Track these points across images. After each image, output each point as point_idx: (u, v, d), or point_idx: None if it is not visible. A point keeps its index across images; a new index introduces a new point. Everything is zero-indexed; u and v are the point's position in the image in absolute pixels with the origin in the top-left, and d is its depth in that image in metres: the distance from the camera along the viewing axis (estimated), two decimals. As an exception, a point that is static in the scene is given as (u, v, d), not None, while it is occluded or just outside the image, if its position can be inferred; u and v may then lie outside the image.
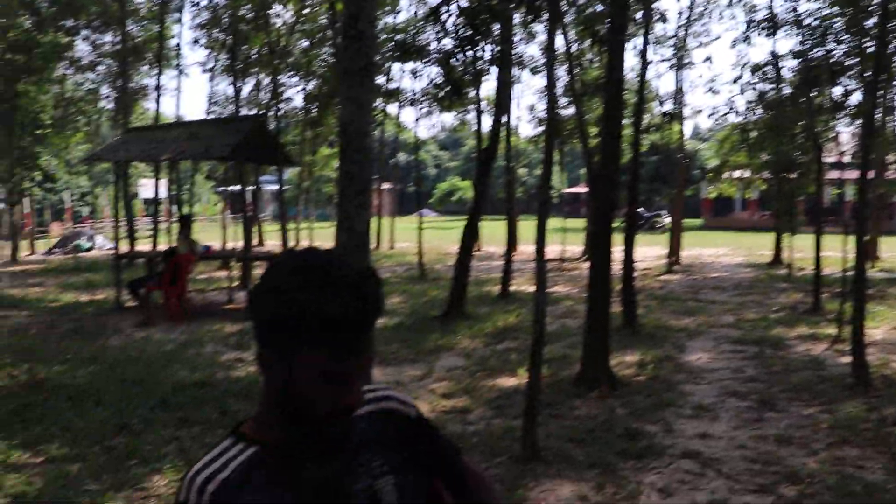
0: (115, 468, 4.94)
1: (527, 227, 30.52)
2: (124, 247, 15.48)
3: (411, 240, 20.48)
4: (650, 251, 23.05)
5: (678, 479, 4.67)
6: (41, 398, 6.55)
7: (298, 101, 23.22)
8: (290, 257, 1.32)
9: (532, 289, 14.46)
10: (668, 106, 19.58)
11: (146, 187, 39.53)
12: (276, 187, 23.82)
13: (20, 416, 6.03)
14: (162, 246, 18.14)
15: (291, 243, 12.51)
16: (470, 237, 11.28)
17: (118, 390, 6.75)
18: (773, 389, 6.85)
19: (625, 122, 10.38)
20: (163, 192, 16.01)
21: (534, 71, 19.98)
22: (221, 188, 43.78)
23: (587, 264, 7.43)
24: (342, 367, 1.26)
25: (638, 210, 14.15)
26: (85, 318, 11.43)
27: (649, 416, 6.03)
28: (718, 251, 24.88)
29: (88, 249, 28.31)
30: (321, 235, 35.52)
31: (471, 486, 1.59)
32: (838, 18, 12.24)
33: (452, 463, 1.58)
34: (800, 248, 17.08)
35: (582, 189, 48.22)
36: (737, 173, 24.14)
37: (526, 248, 26.51)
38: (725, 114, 18.74)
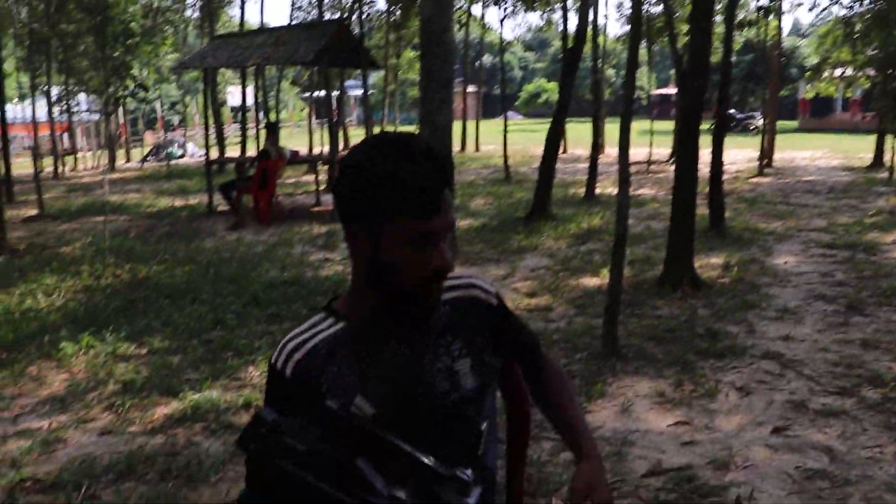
0: (213, 359, 5.25)
1: (614, 129, 29.90)
2: (214, 153, 15.92)
3: (496, 143, 20.28)
4: (741, 154, 22.30)
5: (757, 379, 4.67)
6: (143, 296, 6.95)
7: (381, 3, 23.03)
8: (370, 139, 1.41)
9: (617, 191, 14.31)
10: (765, -1, 18.51)
11: (233, 95, 40.26)
12: (360, 92, 23.88)
13: (125, 312, 6.43)
14: (251, 152, 18.60)
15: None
16: (555, 139, 11.14)
17: (213, 288, 7.11)
18: (863, 294, 6.66)
19: (717, 18, 9.92)
20: (250, 100, 16.23)
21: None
22: (306, 94, 44.16)
23: (674, 167, 7.27)
24: (426, 226, 1.34)
25: (729, 111, 13.64)
26: (179, 221, 11.94)
27: (731, 318, 5.99)
28: (814, 154, 23.85)
29: (180, 157, 29.24)
30: (405, 141, 35.77)
31: (548, 375, 1.66)
32: None
33: (532, 352, 1.65)
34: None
35: (671, 90, 46.62)
36: (838, 71, 22.90)
37: (612, 151, 26.03)
38: (829, 6, 17.64)
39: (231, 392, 4.62)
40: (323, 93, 30.66)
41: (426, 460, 1.27)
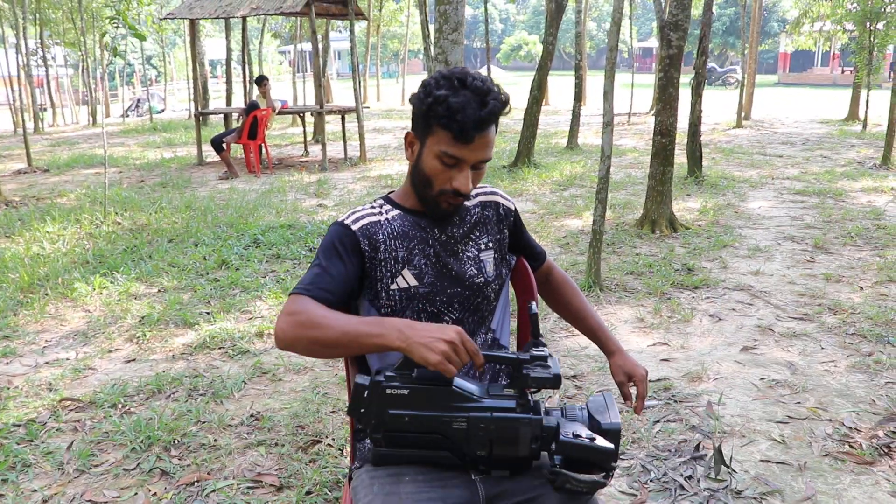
0: (221, 296, 5.57)
1: (594, 82, 30.05)
2: (199, 106, 15.98)
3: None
4: (721, 107, 22.64)
5: (729, 307, 5.09)
6: (146, 241, 7.23)
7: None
8: (448, 70, 1.70)
9: (599, 141, 14.59)
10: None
11: (210, 48, 39.87)
12: (341, 45, 23.85)
13: (131, 256, 6.70)
14: (236, 103, 18.65)
15: (361, 99, 12.84)
16: (539, 89, 11.42)
17: (213, 233, 7.40)
18: (829, 235, 7.10)
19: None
20: (225, 53, 16.28)
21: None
22: (285, 49, 43.74)
23: (655, 116, 7.59)
24: (457, 151, 1.65)
25: (709, 66, 13.90)
26: (170, 172, 12.12)
27: (706, 255, 6.41)
28: (792, 107, 24.24)
29: (161, 111, 29.12)
30: (387, 93, 35.63)
31: (557, 280, 2.07)
32: None
33: (542, 256, 2.05)
34: (878, 104, 16.59)
35: (653, 44, 46.63)
36: (817, 25, 23.13)
37: (593, 104, 26.31)
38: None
39: (243, 323, 4.96)
40: (302, 46, 30.49)
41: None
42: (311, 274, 1.67)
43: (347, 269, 1.68)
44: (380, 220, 1.77)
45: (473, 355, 1.44)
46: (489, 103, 1.62)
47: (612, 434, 1.57)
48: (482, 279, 1.79)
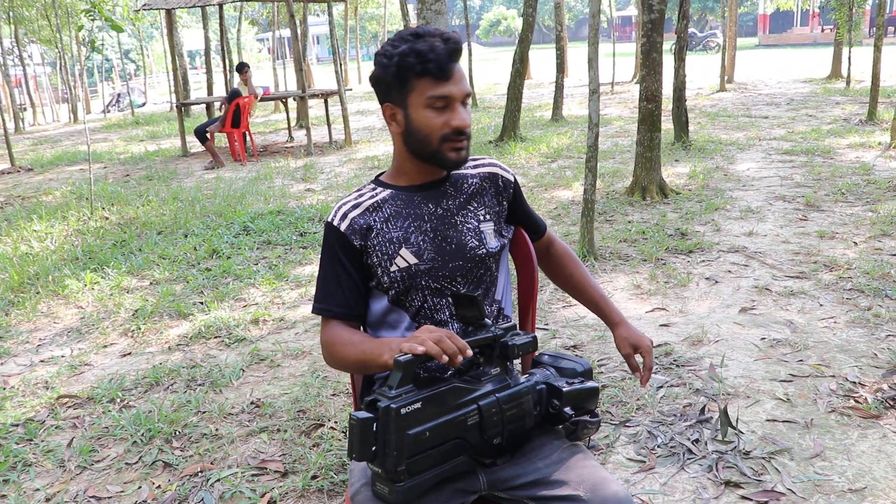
0: (214, 285, 5.53)
1: (575, 53, 29.95)
2: (180, 97, 15.82)
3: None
4: (703, 71, 22.59)
5: (725, 270, 5.07)
6: (135, 234, 7.16)
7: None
8: (393, 36, 1.70)
9: (583, 112, 14.56)
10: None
11: (187, 39, 39.49)
12: (318, 30, 23.61)
13: (121, 250, 6.63)
14: (217, 92, 18.48)
15: (343, 82, 12.73)
16: (521, 62, 11.34)
17: (202, 223, 7.33)
18: (820, 193, 7.09)
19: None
20: (203, 43, 16.13)
21: None
22: (263, 36, 43.34)
23: (638, 87, 7.55)
24: (442, 89, 1.63)
25: (690, 30, 13.84)
26: (155, 165, 12.01)
27: (699, 219, 6.39)
28: (774, 68, 24.21)
29: (142, 105, 28.86)
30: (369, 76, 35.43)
31: (559, 252, 2.04)
32: None
33: (542, 227, 2.01)
34: (860, 61, 16.55)
35: (632, 12, 46.46)
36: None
37: (575, 74, 26.20)
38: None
39: (238, 311, 4.92)
40: (280, 33, 30.22)
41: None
42: (323, 286, 1.75)
43: (350, 272, 1.73)
44: (369, 206, 1.75)
45: (462, 350, 1.39)
46: (449, 38, 1.64)
47: (589, 373, 1.69)
48: (484, 250, 1.76)
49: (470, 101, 1.74)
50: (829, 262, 5.06)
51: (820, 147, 9.48)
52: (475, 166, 1.85)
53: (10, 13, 21.99)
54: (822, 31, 42.80)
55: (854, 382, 3.32)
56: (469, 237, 1.75)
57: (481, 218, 1.79)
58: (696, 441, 2.92)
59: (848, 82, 16.63)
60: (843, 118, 12.04)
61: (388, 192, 1.77)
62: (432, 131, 1.66)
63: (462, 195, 1.79)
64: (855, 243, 5.48)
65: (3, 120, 12.74)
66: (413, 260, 1.70)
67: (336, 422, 3.31)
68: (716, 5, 48.27)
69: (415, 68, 1.61)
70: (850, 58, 15.73)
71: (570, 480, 1.54)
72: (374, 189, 1.79)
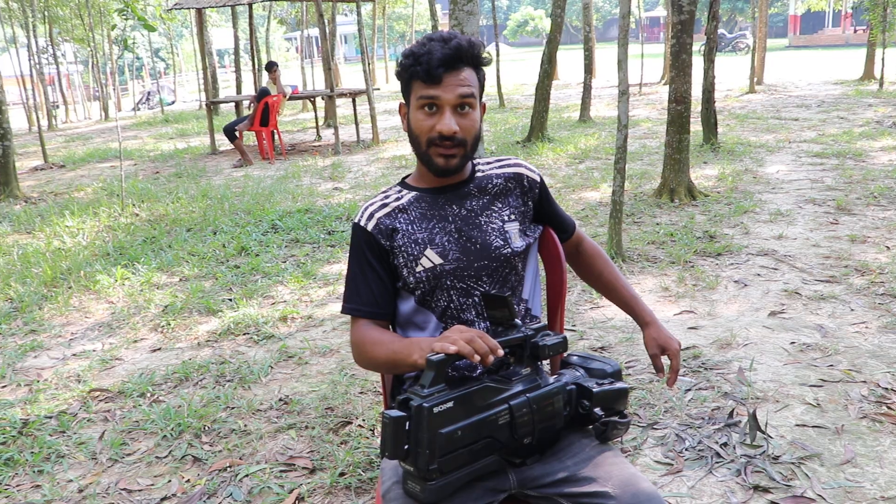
0: (243, 282, 5.58)
1: (603, 54, 29.80)
2: (209, 96, 15.98)
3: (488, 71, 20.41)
4: (733, 73, 22.39)
5: (754, 273, 5.03)
6: (164, 231, 7.24)
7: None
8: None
9: (611, 113, 14.49)
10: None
11: (216, 38, 39.86)
12: (346, 29, 23.69)
13: (150, 247, 6.72)
14: (246, 91, 18.63)
15: (371, 82, 12.77)
16: (549, 63, 11.32)
17: (231, 220, 7.40)
18: (851, 196, 7.00)
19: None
20: (231, 43, 16.28)
21: None
22: (291, 35, 43.62)
23: (666, 88, 7.50)
24: (430, 92, 1.65)
25: (719, 31, 13.73)
26: (184, 162, 12.14)
27: (727, 222, 6.34)
28: (804, 70, 23.93)
29: (172, 103, 29.16)
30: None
31: (588, 251, 2.04)
32: None
33: (571, 226, 2.01)
34: (895, 62, 16.28)
35: (661, 13, 46.14)
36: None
37: (603, 75, 26.08)
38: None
39: (266, 308, 4.96)
40: (308, 32, 30.36)
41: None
42: (352, 285, 1.76)
43: (378, 272, 1.75)
44: (395, 208, 1.78)
45: (493, 350, 1.40)
46: (452, 42, 1.65)
47: (618, 374, 1.69)
48: (509, 250, 1.77)
49: (474, 109, 1.70)
50: (860, 267, 5.00)
51: (851, 150, 9.37)
52: (500, 166, 1.87)
53: (46, 13, 22.33)
54: (855, 31, 42.24)
55: (886, 388, 3.28)
56: (493, 237, 1.76)
57: (506, 218, 1.80)
58: (725, 445, 2.90)
59: (881, 84, 16.41)
60: (875, 120, 11.88)
61: (413, 194, 1.79)
62: (420, 133, 1.70)
63: (486, 195, 1.80)
64: (887, 248, 5.41)
65: (37, 118, 12.94)
66: (438, 260, 1.71)
67: (364, 419, 3.33)
68: (746, 6, 47.81)
69: (412, 71, 1.67)
70: (883, 59, 15.51)
71: (600, 477, 1.55)
72: (399, 191, 1.82)
